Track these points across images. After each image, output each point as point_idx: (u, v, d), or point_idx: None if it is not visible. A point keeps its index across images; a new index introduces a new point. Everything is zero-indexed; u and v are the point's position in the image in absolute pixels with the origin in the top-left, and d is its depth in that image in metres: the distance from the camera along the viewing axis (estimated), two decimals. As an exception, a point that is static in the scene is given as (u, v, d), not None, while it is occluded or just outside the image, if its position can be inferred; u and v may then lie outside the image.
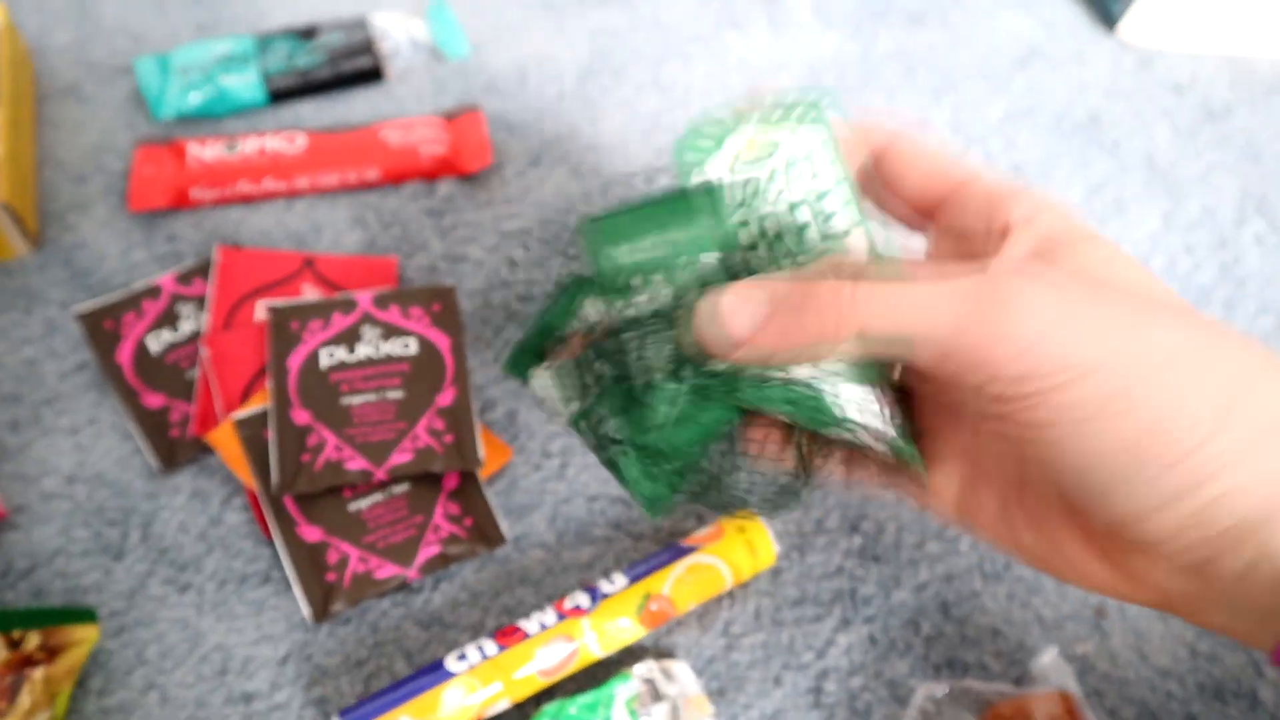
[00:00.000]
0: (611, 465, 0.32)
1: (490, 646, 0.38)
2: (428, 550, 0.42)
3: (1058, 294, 0.27)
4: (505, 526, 0.44)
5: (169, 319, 0.48)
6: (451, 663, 0.38)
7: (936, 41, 0.66)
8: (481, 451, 0.44)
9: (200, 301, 0.49)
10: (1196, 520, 0.27)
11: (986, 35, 0.66)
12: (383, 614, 0.42)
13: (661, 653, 0.41)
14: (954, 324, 0.27)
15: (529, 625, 0.39)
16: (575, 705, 0.38)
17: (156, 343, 0.47)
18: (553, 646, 0.39)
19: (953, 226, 0.34)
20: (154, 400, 0.46)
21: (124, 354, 0.47)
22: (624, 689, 0.39)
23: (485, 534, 0.43)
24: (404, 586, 0.42)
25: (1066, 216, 0.32)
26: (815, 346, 0.28)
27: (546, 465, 0.46)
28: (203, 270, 0.50)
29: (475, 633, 0.41)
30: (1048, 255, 0.30)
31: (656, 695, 0.39)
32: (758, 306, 0.29)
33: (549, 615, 0.39)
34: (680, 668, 0.40)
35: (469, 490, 0.43)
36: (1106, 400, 0.26)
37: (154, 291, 0.49)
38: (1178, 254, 0.56)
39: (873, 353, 0.29)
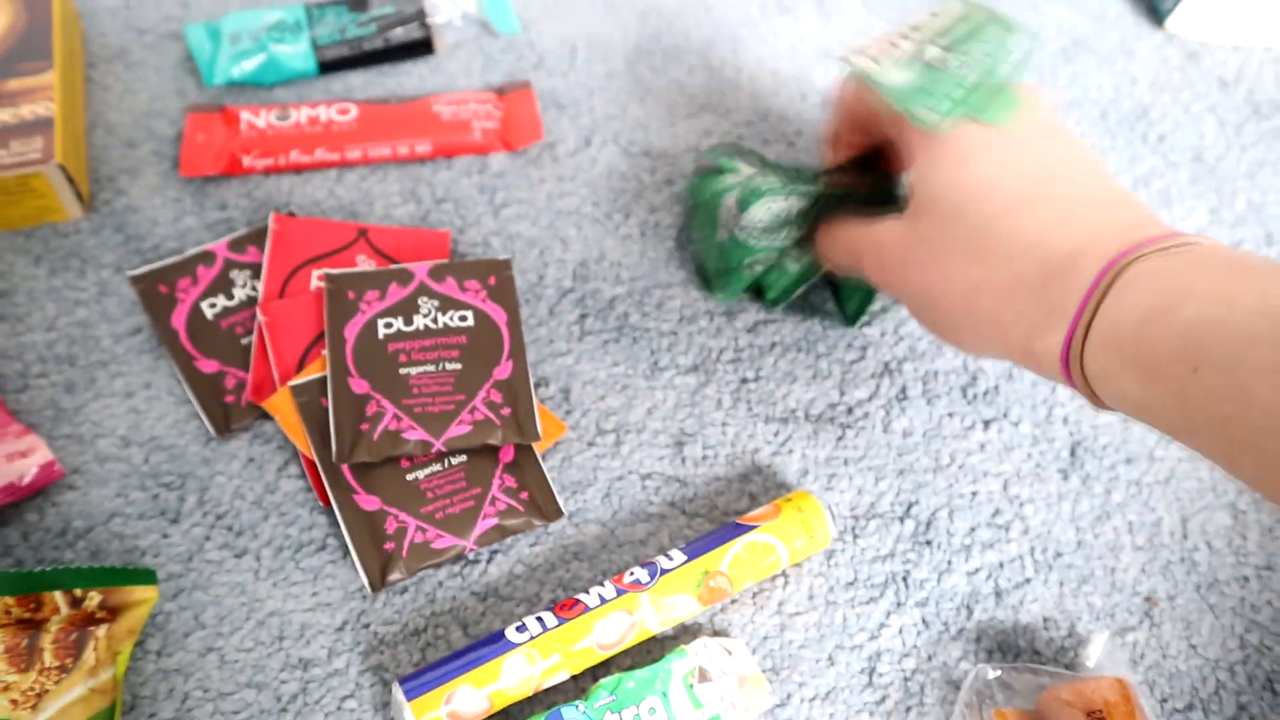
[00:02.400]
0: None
1: (550, 619, 0.39)
2: (485, 522, 0.42)
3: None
4: (561, 502, 0.44)
5: (223, 285, 0.48)
6: (512, 633, 0.38)
7: (984, 31, 0.65)
8: (539, 425, 0.44)
9: (254, 268, 0.49)
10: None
11: (1034, 26, 0.66)
12: (439, 584, 0.42)
13: (717, 630, 0.41)
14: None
15: (589, 599, 0.39)
16: (633, 679, 0.38)
17: (211, 308, 0.47)
18: (612, 620, 0.39)
19: None
20: (209, 366, 0.46)
21: (179, 318, 0.47)
22: (681, 664, 0.39)
23: (541, 508, 0.43)
24: (461, 558, 0.42)
25: None
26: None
27: (601, 442, 0.46)
28: (256, 237, 0.50)
29: (531, 606, 0.42)
30: None
31: (713, 671, 0.39)
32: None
33: (608, 589, 0.39)
34: (737, 645, 0.40)
35: (525, 464, 0.43)
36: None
37: (208, 257, 0.49)
38: (1225, 249, 0.56)
39: None
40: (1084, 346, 0.33)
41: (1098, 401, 0.34)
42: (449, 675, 0.37)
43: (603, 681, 0.38)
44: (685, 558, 0.40)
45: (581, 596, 0.39)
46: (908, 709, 0.40)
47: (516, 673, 0.37)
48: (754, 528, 0.41)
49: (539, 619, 0.39)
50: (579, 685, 0.40)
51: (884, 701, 0.40)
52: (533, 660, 0.38)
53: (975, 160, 0.38)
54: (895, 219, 0.41)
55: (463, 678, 0.37)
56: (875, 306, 0.49)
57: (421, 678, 0.37)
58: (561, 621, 0.38)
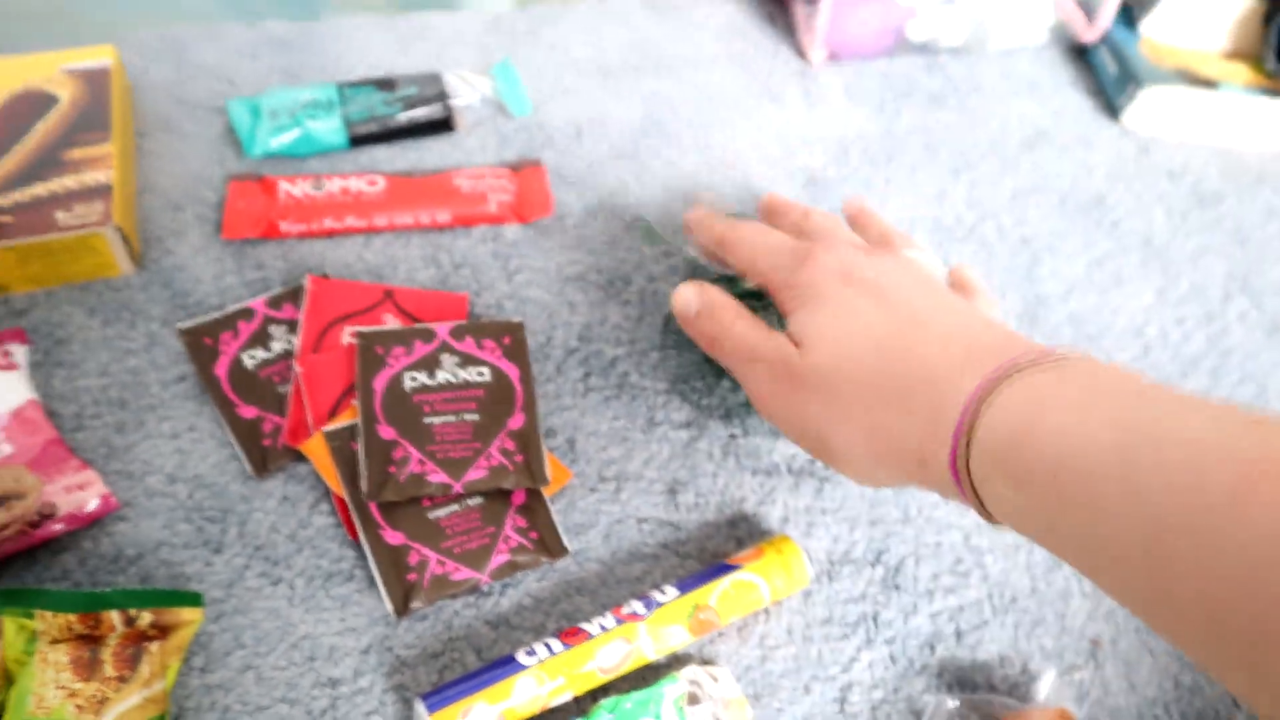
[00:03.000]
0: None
1: (556, 644, 0.43)
2: (499, 558, 0.46)
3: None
4: (566, 541, 0.48)
5: (262, 339, 0.53)
6: (522, 657, 0.43)
7: (954, 121, 0.72)
8: (548, 471, 0.48)
9: (290, 324, 0.54)
10: None
11: (1000, 118, 0.72)
12: (455, 614, 0.46)
13: (705, 660, 0.46)
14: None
15: (591, 627, 0.44)
16: (630, 701, 0.43)
17: (251, 359, 0.52)
18: (612, 647, 0.43)
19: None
20: (248, 411, 0.51)
21: (221, 368, 0.52)
22: (672, 689, 0.43)
23: (549, 546, 0.47)
24: (476, 589, 0.47)
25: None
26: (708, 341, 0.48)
27: (602, 489, 0.51)
28: (292, 296, 0.55)
29: (538, 634, 0.46)
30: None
31: (701, 696, 0.43)
32: (691, 304, 0.49)
33: (609, 619, 0.44)
34: (722, 673, 0.44)
35: (535, 506, 0.48)
36: None
37: (248, 313, 0.54)
38: (1169, 326, 0.62)
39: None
40: (968, 455, 0.37)
41: (984, 512, 0.38)
42: (466, 692, 0.41)
43: (603, 702, 0.43)
44: (678, 592, 0.45)
45: (584, 625, 0.44)
46: (875, 734, 0.45)
47: (526, 692, 0.42)
48: (739, 567, 0.46)
49: (546, 644, 0.43)
50: (580, 706, 0.44)
51: (854, 727, 0.45)
52: (541, 681, 0.42)
53: (857, 314, 0.42)
54: (785, 342, 0.44)
55: (478, 695, 0.41)
56: None
57: (441, 694, 0.41)
58: (567, 647, 0.43)
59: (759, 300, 0.52)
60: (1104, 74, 0.76)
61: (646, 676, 0.45)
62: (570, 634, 0.44)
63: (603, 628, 0.44)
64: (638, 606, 0.45)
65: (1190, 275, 0.65)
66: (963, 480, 0.37)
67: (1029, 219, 0.67)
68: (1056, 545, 0.34)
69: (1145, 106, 0.72)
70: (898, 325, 0.41)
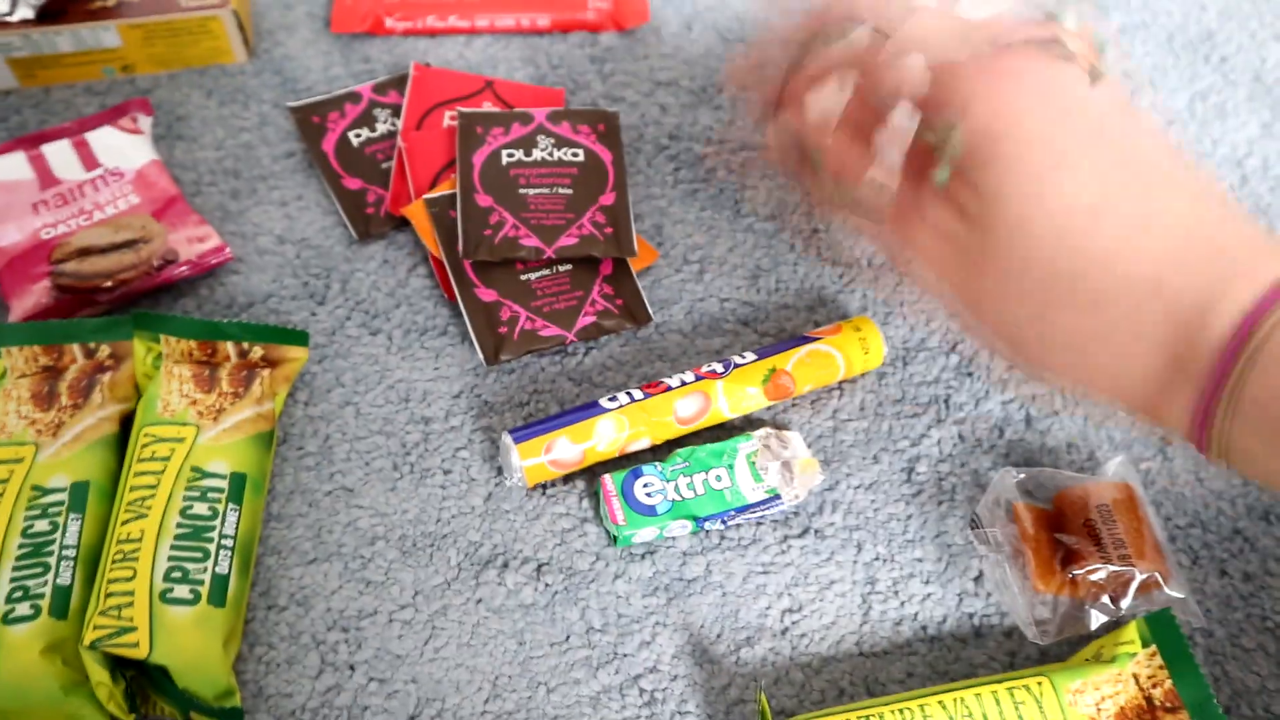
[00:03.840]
0: None
1: (638, 393, 0.45)
2: (585, 319, 0.48)
3: None
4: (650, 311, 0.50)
5: (367, 120, 0.55)
6: (605, 401, 0.45)
7: (1063, -45, 0.70)
8: (635, 244, 0.50)
9: (394, 109, 0.56)
10: None
11: (1112, -48, 0.70)
12: (541, 369, 0.49)
13: (779, 425, 0.48)
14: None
15: (671, 381, 0.46)
16: (705, 451, 0.45)
17: (356, 137, 0.55)
18: (690, 400, 0.45)
19: None
20: (353, 183, 0.53)
21: (328, 144, 0.54)
22: (746, 445, 0.45)
23: (633, 313, 0.49)
24: (562, 348, 0.49)
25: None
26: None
27: (686, 269, 0.52)
28: (396, 83, 0.57)
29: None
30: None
31: (773, 454, 0.45)
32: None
33: (688, 375, 0.46)
34: (794, 436, 0.46)
35: (622, 276, 0.50)
36: None
37: (354, 96, 0.56)
38: (1272, 159, 0.61)
39: None
40: (1225, 422, 0.28)
41: (1215, 460, 0.31)
42: (550, 428, 0.44)
43: (678, 450, 0.45)
44: (756, 357, 0.47)
45: (665, 379, 0.46)
46: (939, 502, 0.46)
47: (607, 434, 0.44)
48: (818, 339, 0.47)
49: (628, 393, 0.45)
50: (657, 454, 0.47)
51: (919, 494, 0.46)
52: (621, 426, 0.44)
53: (1068, 171, 0.30)
54: (952, 214, 0.34)
55: (562, 430, 0.44)
56: None
57: (527, 429, 0.44)
58: (647, 395, 0.45)
59: None
60: (1225, -88, 0.72)
61: (721, 435, 0.47)
62: (651, 385, 0.46)
63: (683, 381, 0.46)
64: (717, 366, 0.46)
65: (1299, 112, 0.63)
66: (1209, 444, 0.29)
67: (1134, 53, 0.65)
68: None
69: (1266, -54, 0.69)
70: (1120, 195, 0.30)
